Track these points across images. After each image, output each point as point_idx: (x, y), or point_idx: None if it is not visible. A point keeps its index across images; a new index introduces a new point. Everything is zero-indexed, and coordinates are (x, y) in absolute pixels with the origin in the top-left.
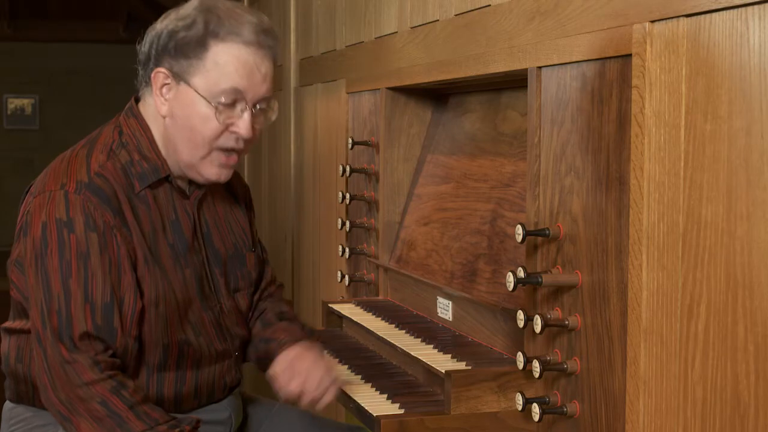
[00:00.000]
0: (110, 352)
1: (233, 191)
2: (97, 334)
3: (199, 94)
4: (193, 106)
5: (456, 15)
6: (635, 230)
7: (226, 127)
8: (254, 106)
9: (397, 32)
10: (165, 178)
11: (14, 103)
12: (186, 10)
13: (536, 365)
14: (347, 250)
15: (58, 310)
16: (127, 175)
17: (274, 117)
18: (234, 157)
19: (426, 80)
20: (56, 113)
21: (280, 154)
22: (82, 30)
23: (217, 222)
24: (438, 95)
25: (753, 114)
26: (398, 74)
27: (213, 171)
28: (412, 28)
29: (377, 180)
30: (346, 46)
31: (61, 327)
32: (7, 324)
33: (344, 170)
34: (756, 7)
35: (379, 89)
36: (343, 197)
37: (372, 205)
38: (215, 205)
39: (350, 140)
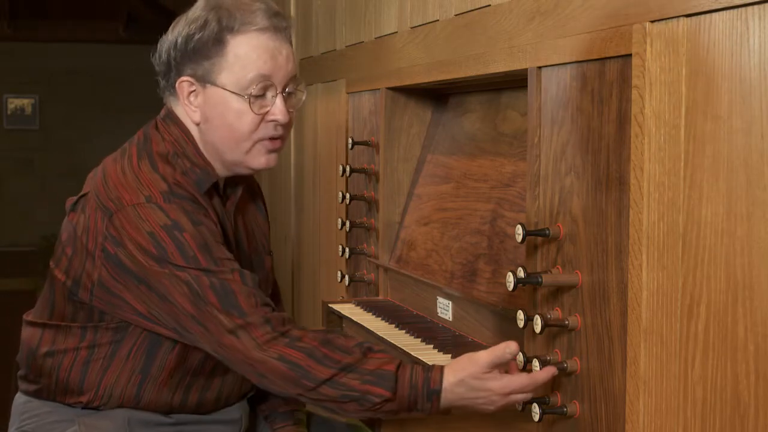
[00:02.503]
0: (272, 307)
1: (255, 195)
2: (256, 300)
3: (228, 90)
4: (225, 104)
5: (456, 15)
6: (635, 230)
7: (262, 117)
8: (284, 89)
9: (397, 32)
10: (213, 185)
11: (14, 103)
12: (194, 13)
13: (536, 365)
14: (347, 250)
15: (211, 285)
16: (191, 183)
17: (304, 97)
18: (278, 142)
19: (426, 80)
20: (56, 113)
21: (280, 154)
22: (82, 30)
23: (245, 224)
24: (438, 95)
25: (753, 114)
26: (398, 74)
27: (262, 160)
28: (412, 28)
29: (377, 180)
30: (346, 46)
31: (221, 300)
32: (43, 319)
33: (344, 170)
34: (756, 7)
35: (379, 89)
36: (343, 197)
37: (372, 205)
38: (245, 211)
39: (350, 140)
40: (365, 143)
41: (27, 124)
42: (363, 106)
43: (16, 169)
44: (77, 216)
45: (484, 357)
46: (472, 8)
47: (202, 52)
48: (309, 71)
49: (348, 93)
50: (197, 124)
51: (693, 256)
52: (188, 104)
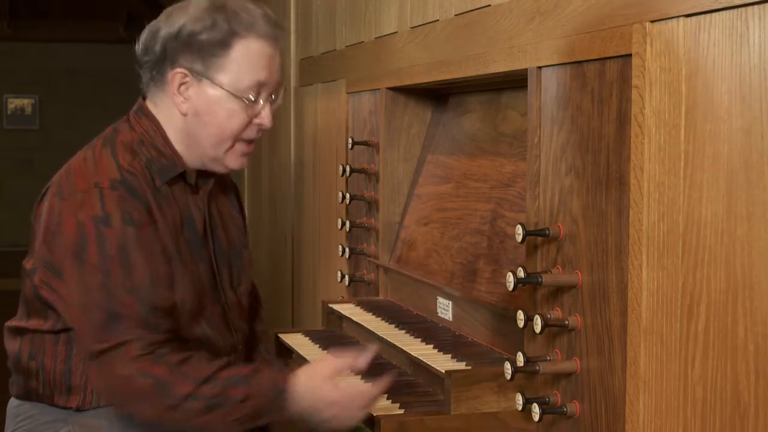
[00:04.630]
0: (156, 339)
1: (227, 188)
2: (142, 324)
3: (225, 90)
4: (219, 103)
5: (456, 15)
6: (635, 230)
7: (250, 120)
8: (271, 95)
9: (397, 32)
10: (180, 175)
11: (14, 103)
12: (197, 10)
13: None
14: (347, 250)
15: (102, 301)
16: (151, 171)
17: (280, 102)
18: (252, 146)
19: (426, 80)
20: (56, 113)
21: (280, 154)
22: (82, 30)
23: (220, 215)
24: (438, 95)
25: (753, 114)
26: (398, 74)
27: (237, 161)
28: (412, 28)
29: (377, 180)
30: (346, 46)
31: (105, 319)
32: (18, 323)
33: (344, 170)
34: (756, 7)
35: (379, 89)
36: (343, 197)
37: (372, 205)
38: (217, 203)
39: (350, 140)
40: (365, 143)
41: (27, 124)
42: (363, 106)
43: (16, 169)
44: (41, 206)
45: (333, 363)
46: (472, 8)
47: (205, 50)
48: (309, 71)
49: (348, 93)
50: (184, 115)
51: (693, 256)
52: (178, 95)
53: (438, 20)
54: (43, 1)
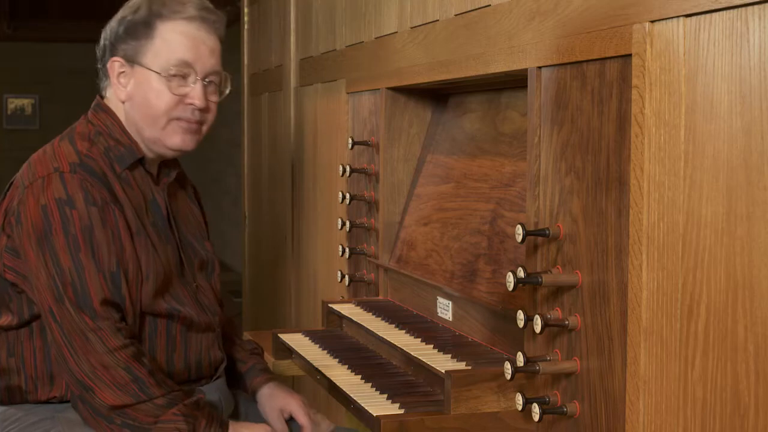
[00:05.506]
0: (125, 319)
1: (185, 185)
2: (109, 302)
3: (151, 70)
4: (147, 83)
5: (456, 15)
6: (635, 230)
7: (181, 99)
8: (204, 78)
9: (397, 32)
10: (139, 161)
11: (14, 103)
12: (134, 1)
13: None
14: (347, 250)
15: (72, 282)
16: (110, 158)
17: (227, 91)
18: (194, 125)
19: (426, 80)
20: (56, 113)
21: (280, 154)
22: (82, 30)
23: (180, 209)
24: (438, 95)
25: (753, 114)
26: (398, 74)
27: (177, 139)
28: (412, 28)
29: (377, 180)
30: (346, 46)
31: (79, 298)
32: None
33: (344, 170)
34: (756, 7)
35: (379, 89)
36: (343, 197)
37: (372, 205)
38: (177, 196)
39: (350, 140)
40: (365, 143)
41: (27, 124)
42: (363, 106)
43: (16, 169)
44: (5, 202)
45: None
46: (472, 8)
47: (132, 34)
48: (309, 71)
49: (348, 93)
50: (123, 102)
51: (693, 256)
52: (117, 83)
53: (438, 20)
54: (43, 1)
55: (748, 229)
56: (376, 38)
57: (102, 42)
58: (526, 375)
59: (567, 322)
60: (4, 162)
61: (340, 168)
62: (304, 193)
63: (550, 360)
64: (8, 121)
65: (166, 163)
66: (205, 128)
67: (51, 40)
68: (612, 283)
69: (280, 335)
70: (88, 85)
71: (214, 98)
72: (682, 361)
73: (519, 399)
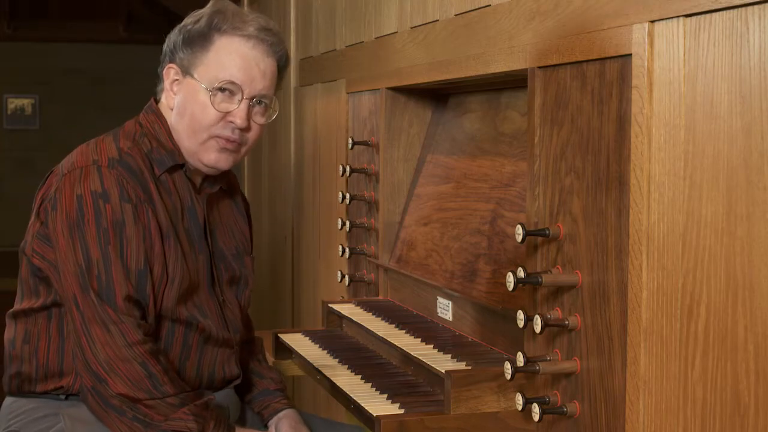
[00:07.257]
0: (146, 318)
1: (237, 201)
2: (132, 298)
3: (200, 83)
4: (195, 95)
5: (456, 15)
6: (635, 230)
7: (224, 116)
8: (251, 99)
9: (397, 32)
10: (180, 166)
11: (14, 103)
12: (200, 11)
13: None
14: (347, 250)
15: (98, 275)
16: (150, 159)
17: (274, 116)
18: (233, 144)
19: (426, 80)
20: (56, 113)
21: (280, 154)
22: (82, 30)
23: (221, 222)
24: (438, 95)
25: (753, 114)
26: (398, 74)
27: (212, 156)
28: (412, 28)
29: (377, 180)
30: (346, 46)
31: (102, 290)
32: (15, 308)
33: (344, 170)
34: (756, 7)
35: (379, 89)
36: (343, 197)
37: (372, 205)
38: (220, 207)
39: (350, 140)
40: (365, 143)
41: (27, 124)
42: (363, 106)
43: (16, 168)
44: (43, 189)
45: None
46: (472, 8)
47: (189, 43)
48: (309, 71)
49: (348, 93)
50: (172, 110)
51: (693, 256)
52: (169, 90)
53: (438, 20)
54: (43, 1)
55: (748, 229)
56: (376, 38)
57: (165, 46)
58: (526, 375)
59: (567, 322)
60: (4, 162)
61: (340, 168)
62: (304, 193)
63: (550, 360)
64: (8, 121)
65: (212, 176)
66: (244, 149)
67: (51, 40)
68: (612, 283)
69: (280, 335)
70: (88, 85)
71: (260, 119)
72: (682, 361)
73: (519, 399)
